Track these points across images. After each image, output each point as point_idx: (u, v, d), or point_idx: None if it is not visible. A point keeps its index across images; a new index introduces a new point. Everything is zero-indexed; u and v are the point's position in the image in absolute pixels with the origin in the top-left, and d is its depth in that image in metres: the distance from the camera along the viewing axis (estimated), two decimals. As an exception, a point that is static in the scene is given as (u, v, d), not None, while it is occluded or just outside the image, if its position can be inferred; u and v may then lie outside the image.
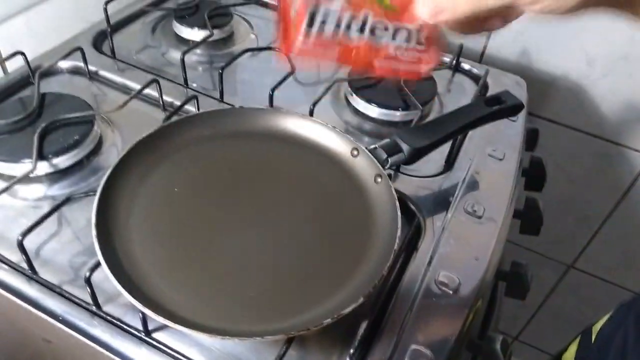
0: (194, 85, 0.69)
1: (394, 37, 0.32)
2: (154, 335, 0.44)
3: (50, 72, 0.68)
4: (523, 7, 0.32)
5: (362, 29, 0.32)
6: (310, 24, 0.32)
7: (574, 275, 1.10)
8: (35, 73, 0.63)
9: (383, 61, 0.33)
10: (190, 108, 0.63)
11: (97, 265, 0.43)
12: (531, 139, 0.73)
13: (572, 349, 0.60)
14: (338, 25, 0.32)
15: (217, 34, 0.75)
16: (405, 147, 0.53)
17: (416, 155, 0.54)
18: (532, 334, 1.27)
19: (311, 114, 0.62)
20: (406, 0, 0.32)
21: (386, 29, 0.32)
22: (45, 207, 0.52)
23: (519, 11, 0.34)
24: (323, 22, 0.32)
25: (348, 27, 0.32)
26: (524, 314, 1.23)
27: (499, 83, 0.76)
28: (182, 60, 0.67)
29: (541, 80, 0.86)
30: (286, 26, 0.32)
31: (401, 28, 0.32)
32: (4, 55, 0.65)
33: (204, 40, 0.72)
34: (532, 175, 0.71)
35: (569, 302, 1.16)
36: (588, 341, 0.59)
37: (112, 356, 0.44)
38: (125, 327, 0.45)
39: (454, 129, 0.55)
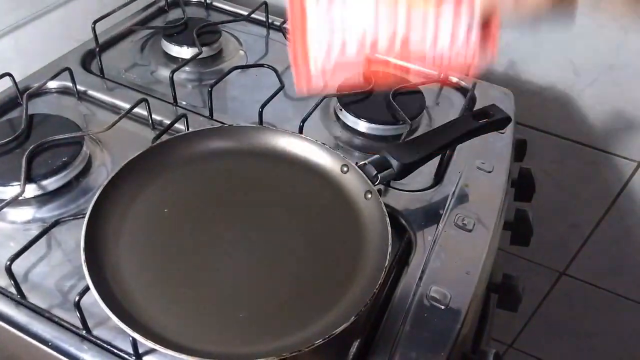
0: (184, 103, 0.70)
1: (435, 27, 0.25)
2: (145, 358, 0.44)
3: (38, 93, 0.67)
4: None
5: (391, 34, 0.25)
6: (329, 48, 0.26)
7: (566, 282, 1.11)
8: (23, 94, 0.63)
9: (421, 62, 0.27)
10: (180, 126, 0.63)
11: (87, 289, 0.43)
12: (519, 150, 0.73)
13: None
14: (363, 37, 0.25)
15: (206, 51, 0.76)
16: (394, 162, 0.54)
17: (406, 170, 0.54)
18: (526, 341, 1.27)
19: (301, 130, 0.62)
20: None
21: (425, 21, 0.25)
22: (34, 230, 0.52)
23: None
24: (343, 42, 0.26)
25: (374, 38, 0.25)
26: (517, 321, 1.23)
27: (486, 95, 0.76)
28: (171, 79, 0.67)
29: (529, 91, 0.87)
30: (302, 52, 0.26)
31: (446, 13, 0.25)
32: (-9, 77, 0.65)
33: (193, 58, 0.72)
34: (522, 186, 0.72)
35: (562, 309, 1.16)
36: None
37: (103, 380, 0.44)
38: (115, 351, 0.44)
39: (443, 143, 0.56)
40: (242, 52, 0.81)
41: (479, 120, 0.58)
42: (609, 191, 0.94)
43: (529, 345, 1.27)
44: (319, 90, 0.27)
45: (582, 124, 0.88)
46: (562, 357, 1.26)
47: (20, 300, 0.47)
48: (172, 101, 0.69)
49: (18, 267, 0.47)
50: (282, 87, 0.68)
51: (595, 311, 1.13)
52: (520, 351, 1.29)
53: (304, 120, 0.62)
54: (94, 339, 0.45)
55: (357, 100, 0.70)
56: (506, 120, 0.59)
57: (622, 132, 0.87)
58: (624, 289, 1.07)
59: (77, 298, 0.43)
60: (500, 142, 0.68)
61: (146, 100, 0.64)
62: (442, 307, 0.49)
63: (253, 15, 0.85)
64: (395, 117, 0.68)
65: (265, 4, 0.85)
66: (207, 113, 0.67)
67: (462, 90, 0.78)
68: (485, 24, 0.26)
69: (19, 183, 0.53)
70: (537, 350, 1.28)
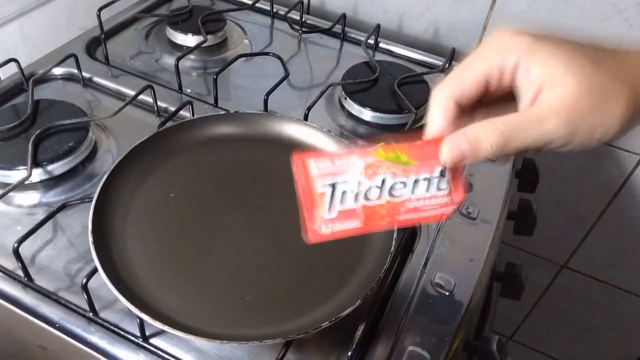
0: (188, 90, 0.70)
1: (413, 190, 0.33)
2: (152, 341, 0.44)
3: (43, 79, 0.67)
4: (552, 149, 0.32)
5: (380, 193, 0.33)
6: (331, 199, 0.33)
7: (567, 275, 1.11)
8: (28, 80, 0.63)
9: (405, 215, 0.33)
10: (185, 114, 0.63)
11: (94, 271, 0.43)
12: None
13: None
14: (357, 196, 0.33)
15: (211, 39, 0.76)
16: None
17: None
18: (526, 334, 1.27)
19: (306, 118, 0.62)
20: (423, 152, 0.33)
21: (404, 184, 0.33)
22: (41, 214, 0.52)
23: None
24: (342, 196, 0.33)
25: (366, 195, 0.33)
26: (518, 314, 1.24)
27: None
28: (177, 66, 0.67)
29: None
30: (310, 205, 0.33)
31: (419, 179, 0.33)
32: (-3, 63, 0.65)
33: (197, 46, 0.72)
34: (525, 176, 0.72)
35: (562, 302, 1.16)
36: None
37: (110, 363, 0.44)
38: (122, 333, 0.45)
39: (448, 131, 0.56)
40: (246, 41, 0.81)
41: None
42: (611, 184, 0.94)
43: (529, 338, 1.28)
44: (326, 239, 0.33)
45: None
46: (562, 350, 1.27)
47: (27, 282, 0.47)
48: (177, 88, 0.69)
49: (25, 251, 0.47)
50: (287, 76, 0.68)
51: (596, 304, 1.13)
52: (520, 344, 1.30)
53: (309, 108, 0.62)
54: (101, 321, 0.45)
55: (362, 89, 0.70)
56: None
57: (625, 126, 0.87)
58: (625, 281, 1.07)
59: (84, 280, 0.43)
60: (504, 132, 0.68)
61: (151, 87, 0.64)
62: (447, 294, 0.49)
63: (257, 5, 0.85)
64: (400, 106, 0.68)
65: (270, -7, 0.85)
66: (212, 101, 0.67)
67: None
68: (453, 173, 0.33)
69: (25, 167, 0.53)
70: (537, 343, 1.29)
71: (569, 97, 0.29)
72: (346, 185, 0.33)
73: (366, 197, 0.32)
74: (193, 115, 0.63)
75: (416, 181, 0.33)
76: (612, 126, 0.30)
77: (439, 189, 0.33)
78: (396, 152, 0.33)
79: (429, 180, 0.33)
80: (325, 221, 0.32)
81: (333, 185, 0.33)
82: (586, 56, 0.31)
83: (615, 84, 0.30)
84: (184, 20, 0.78)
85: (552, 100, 0.30)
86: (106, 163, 0.59)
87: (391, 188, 0.33)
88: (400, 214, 0.33)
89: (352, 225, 0.33)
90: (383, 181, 0.33)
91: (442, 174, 0.33)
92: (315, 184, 0.33)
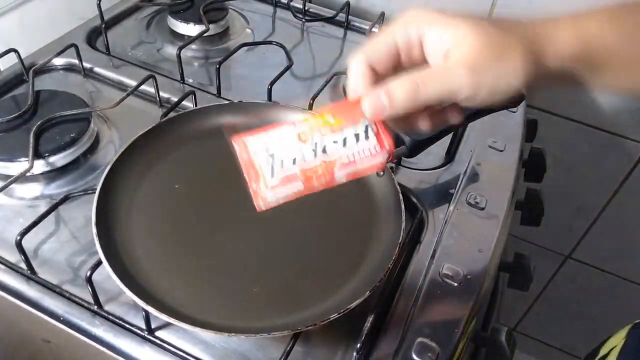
0: (191, 81, 0.69)
1: (344, 144, 0.35)
2: (157, 333, 0.44)
3: (44, 70, 0.66)
4: (460, 102, 0.34)
5: (315, 154, 0.35)
6: (272, 168, 0.35)
7: (571, 266, 1.11)
8: (29, 70, 0.62)
9: (342, 169, 0.35)
10: (188, 104, 0.63)
11: (98, 264, 0.42)
12: (530, 130, 0.73)
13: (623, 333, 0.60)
14: (295, 160, 0.35)
15: (213, 28, 0.75)
16: (407, 139, 0.53)
17: (418, 147, 0.53)
18: (530, 325, 1.27)
19: (310, 108, 0.61)
20: (348, 111, 0.35)
21: (335, 142, 0.35)
22: (43, 207, 0.51)
23: (457, 112, 0.37)
24: (282, 162, 0.35)
25: (303, 158, 0.35)
26: (521, 305, 1.23)
27: (497, 74, 0.75)
28: (179, 55, 0.66)
29: (538, 72, 0.85)
30: (255, 177, 0.35)
31: (348, 135, 0.35)
32: (-4, 53, 0.64)
33: (199, 35, 0.71)
34: (532, 166, 0.71)
35: (566, 293, 1.16)
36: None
37: (115, 356, 0.44)
38: (127, 326, 0.44)
39: (456, 120, 0.55)
40: (249, 30, 0.80)
41: (492, 97, 0.57)
42: (616, 174, 0.94)
43: (533, 328, 1.28)
44: (274, 205, 0.36)
45: (591, 106, 0.87)
46: (565, 341, 1.27)
47: (30, 275, 0.46)
48: (179, 79, 0.68)
49: (28, 243, 0.46)
50: (290, 65, 0.67)
51: (600, 295, 1.13)
52: (523, 334, 1.30)
53: (313, 98, 0.61)
54: (106, 314, 0.44)
55: (366, 78, 0.69)
56: (519, 98, 0.58)
57: (632, 115, 0.86)
58: (630, 272, 1.07)
59: (88, 273, 0.43)
60: (511, 121, 0.67)
61: (154, 77, 0.63)
62: (456, 285, 0.49)
63: (259, -7, 0.84)
64: (406, 96, 0.67)
65: (272, -19, 0.84)
66: (214, 91, 0.67)
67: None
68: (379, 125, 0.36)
69: (26, 159, 0.52)
70: (540, 333, 1.28)
71: (473, 51, 0.33)
72: (284, 154, 0.35)
73: (303, 160, 0.35)
74: (196, 106, 0.62)
75: (345, 138, 0.35)
76: (514, 76, 0.33)
77: (367, 138, 0.35)
78: (323, 115, 0.35)
79: (357, 135, 0.35)
80: (270, 188, 0.35)
81: (272, 155, 0.35)
82: (487, 21, 0.34)
83: (512, 38, 0.33)
84: (185, 9, 0.77)
85: (458, 55, 0.33)
86: (109, 154, 0.58)
87: (324, 148, 0.35)
88: (336, 169, 0.35)
89: (295, 189, 0.35)
90: (315, 143, 0.35)
91: (369, 126, 0.35)
92: (255, 157, 0.35)
